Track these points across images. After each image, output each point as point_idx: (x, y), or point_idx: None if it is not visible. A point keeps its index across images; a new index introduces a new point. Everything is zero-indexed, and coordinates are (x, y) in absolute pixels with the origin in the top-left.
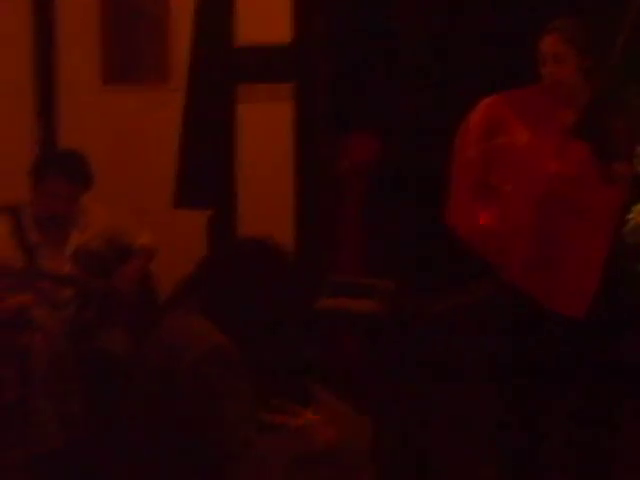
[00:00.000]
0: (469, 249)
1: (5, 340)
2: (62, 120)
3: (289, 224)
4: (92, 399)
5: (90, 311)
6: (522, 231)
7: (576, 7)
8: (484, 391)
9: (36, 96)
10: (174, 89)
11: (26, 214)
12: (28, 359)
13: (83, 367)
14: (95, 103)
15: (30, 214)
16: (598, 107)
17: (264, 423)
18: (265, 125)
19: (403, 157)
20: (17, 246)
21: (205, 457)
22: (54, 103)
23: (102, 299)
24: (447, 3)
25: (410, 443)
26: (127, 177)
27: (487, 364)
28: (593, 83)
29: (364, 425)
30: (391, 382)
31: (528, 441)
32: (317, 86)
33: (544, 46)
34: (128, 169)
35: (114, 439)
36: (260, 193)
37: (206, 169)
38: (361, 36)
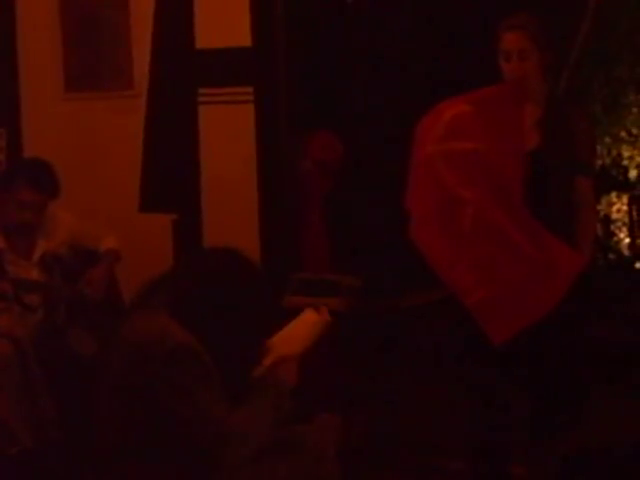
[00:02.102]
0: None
1: None
2: (26, 128)
3: (254, 225)
4: (61, 401)
5: (58, 316)
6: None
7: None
8: (452, 385)
9: None
10: (137, 95)
11: None
12: None
13: (51, 370)
14: (58, 111)
15: None
16: (561, 102)
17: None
18: (227, 128)
19: (366, 154)
20: None
21: (179, 452)
22: (17, 112)
23: (70, 304)
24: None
25: (379, 435)
26: (92, 183)
27: (455, 358)
28: (551, 79)
29: (332, 419)
30: (358, 378)
31: (496, 429)
32: (278, 88)
33: (508, 42)
34: (93, 175)
35: (84, 439)
36: (224, 195)
37: (170, 172)
38: (321, 36)
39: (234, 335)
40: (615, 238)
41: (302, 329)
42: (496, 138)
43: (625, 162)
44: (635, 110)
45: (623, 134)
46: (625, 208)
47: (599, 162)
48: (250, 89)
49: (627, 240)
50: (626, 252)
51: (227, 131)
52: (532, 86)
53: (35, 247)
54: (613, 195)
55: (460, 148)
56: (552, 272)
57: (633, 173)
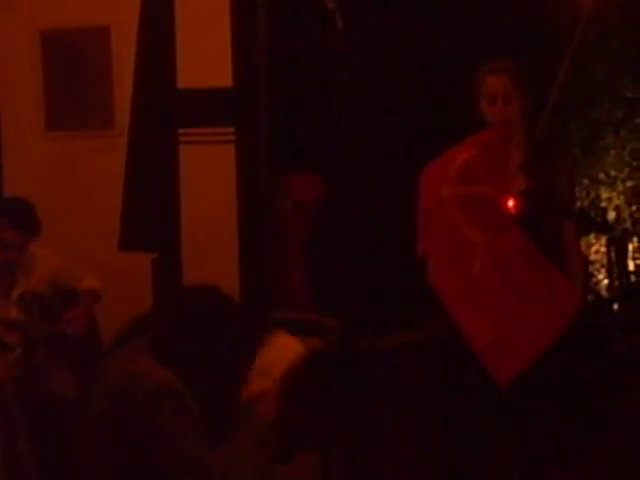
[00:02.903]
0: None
1: None
2: (6, 167)
3: (233, 264)
4: (40, 442)
5: (37, 355)
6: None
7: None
8: (432, 425)
9: None
10: (118, 134)
11: None
12: None
13: (30, 409)
14: (39, 149)
15: None
16: (541, 146)
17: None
18: (208, 168)
19: (346, 195)
20: None
21: None
22: None
23: (49, 343)
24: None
25: (358, 475)
26: (72, 221)
27: (434, 399)
28: (529, 123)
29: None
30: (337, 417)
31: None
32: (258, 129)
33: (493, 86)
34: (73, 214)
35: None
36: (204, 234)
37: (150, 212)
38: (302, 78)
39: (215, 372)
40: (594, 279)
41: (278, 357)
42: (497, 180)
43: (603, 204)
44: (613, 152)
45: (601, 176)
46: (604, 250)
47: (578, 204)
48: (231, 129)
49: (606, 281)
50: (604, 293)
51: (208, 171)
52: (514, 129)
53: (14, 285)
54: (592, 237)
55: (472, 192)
56: (552, 309)
57: (611, 215)
